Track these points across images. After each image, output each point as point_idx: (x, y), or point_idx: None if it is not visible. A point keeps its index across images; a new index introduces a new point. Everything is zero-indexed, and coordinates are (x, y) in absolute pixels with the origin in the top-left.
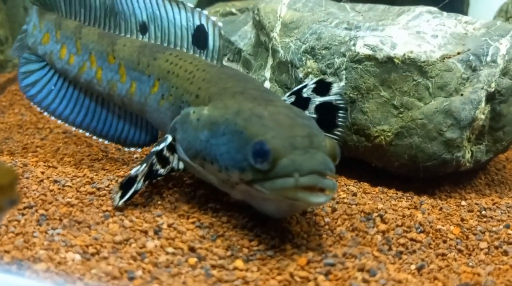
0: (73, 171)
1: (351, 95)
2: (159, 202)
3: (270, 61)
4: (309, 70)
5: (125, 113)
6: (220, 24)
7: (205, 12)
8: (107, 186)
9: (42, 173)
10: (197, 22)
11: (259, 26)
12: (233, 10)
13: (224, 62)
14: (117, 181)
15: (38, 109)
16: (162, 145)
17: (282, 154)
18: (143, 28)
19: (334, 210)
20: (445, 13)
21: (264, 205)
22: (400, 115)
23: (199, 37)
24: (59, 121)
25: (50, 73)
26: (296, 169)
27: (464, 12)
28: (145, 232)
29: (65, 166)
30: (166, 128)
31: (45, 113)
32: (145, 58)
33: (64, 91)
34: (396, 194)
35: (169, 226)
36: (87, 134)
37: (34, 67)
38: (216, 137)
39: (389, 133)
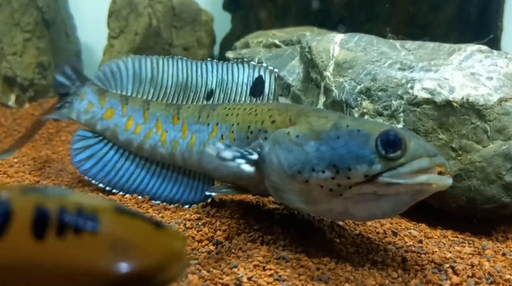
0: (136, 210)
1: None
2: (232, 250)
3: (322, 99)
4: (364, 110)
5: (183, 174)
6: (276, 70)
7: (264, 64)
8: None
9: None
10: (256, 75)
11: (311, 64)
12: (277, 41)
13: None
14: (185, 224)
15: (93, 182)
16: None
17: (408, 140)
18: (210, 95)
19: (404, 259)
20: (495, 52)
21: (374, 206)
22: (459, 157)
23: (257, 86)
24: (114, 191)
25: (106, 147)
26: (425, 150)
27: (497, 37)
28: None
29: (127, 204)
30: (227, 165)
31: (100, 185)
32: (205, 111)
33: (121, 163)
34: (457, 237)
35: (249, 279)
36: (140, 197)
37: (89, 143)
38: (329, 144)
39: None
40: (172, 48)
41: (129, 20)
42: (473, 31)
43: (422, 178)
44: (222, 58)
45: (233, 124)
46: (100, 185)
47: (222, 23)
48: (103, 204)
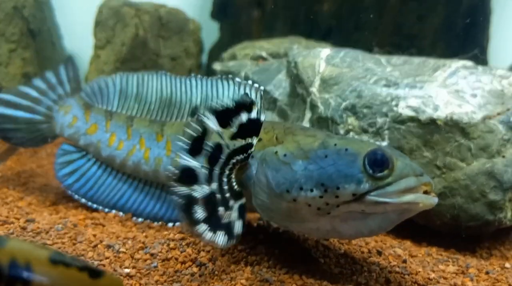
0: (121, 231)
1: None
2: (215, 272)
3: (308, 115)
4: (350, 127)
5: (167, 191)
6: (262, 87)
7: (250, 82)
8: (160, 251)
9: (94, 235)
10: (242, 92)
11: (297, 80)
12: (264, 54)
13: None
14: (168, 244)
15: (75, 197)
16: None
17: (395, 159)
18: (194, 111)
19: (388, 281)
20: (480, 68)
21: (362, 224)
22: (443, 175)
23: None
24: (95, 206)
25: (89, 162)
26: (412, 169)
27: (484, 47)
28: None
29: (111, 221)
30: None
31: (82, 200)
32: None
33: (104, 179)
34: (441, 255)
35: None
36: (122, 215)
37: (72, 158)
38: (317, 162)
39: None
40: (159, 59)
41: (116, 31)
42: (460, 41)
43: (409, 197)
44: (209, 67)
45: None
46: (83, 201)
47: (210, 32)
48: (38, 253)
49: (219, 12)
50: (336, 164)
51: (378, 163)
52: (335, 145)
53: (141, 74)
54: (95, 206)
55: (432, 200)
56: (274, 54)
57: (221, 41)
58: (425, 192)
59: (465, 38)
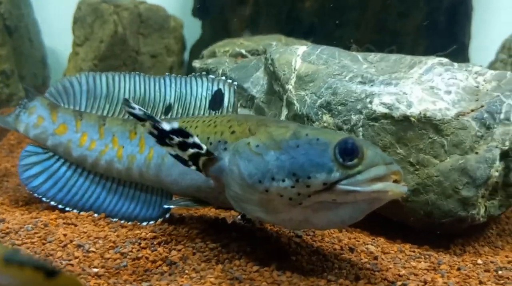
0: (93, 230)
1: None
2: (185, 270)
3: (284, 112)
4: (325, 124)
5: (140, 190)
6: (235, 83)
7: (223, 78)
8: (131, 251)
9: (65, 235)
10: (215, 88)
11: (273, 77)
12: (243, 51)
13: (243, 111)
14: (139, 244)
15: (43, 199)
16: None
17: (365, 148)
18: (168, 109)
19: (357, 277)
20: (456, 64)
21: (333, 214)
22: (416, 172)
23: (216, 100)
24: (67, 209)
25: (57, 163)
26: (382, 158)
27: (466, 44)
28: None
29: (83, 221)
30: (185, 177)
31: (52, 203)
32: None
33: (75, 180)
34: (414, 252)
35: None
36: (96, 215)
37: (38, 159)
38: (288, 152)
39: None
40: (139, 56)
41: (94, 28)
42: (441, 38)
43: (379, 185)
44: (190, 64)
45: None
46: (52, 203)
47: (194, 29)
48: None
49: (200, 9)
50: (307, 153)
51: (348, 152)
52: (307, 135)
53: (111, 74)
54: (67, 208)
55: (401, 189)
56: (253, 52)
57: (203, 39)
58: (395, 181)
59: (446, 35)
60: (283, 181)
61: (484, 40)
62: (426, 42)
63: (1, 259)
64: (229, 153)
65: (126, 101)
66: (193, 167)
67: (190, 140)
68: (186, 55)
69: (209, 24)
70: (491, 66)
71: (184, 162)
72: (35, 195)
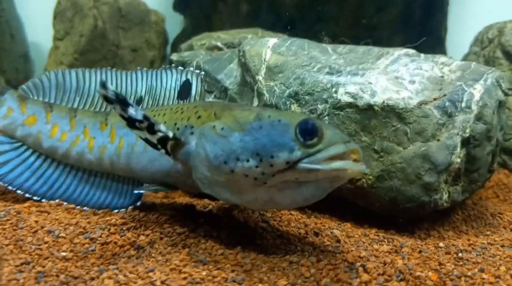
0: (65, 218)
1: None
2: (152, 254)
3: (255, 102)
4: None
5: (111, 179)
6: (202, 73)
7: (191, 69)
8: (100, 236)
9: (36, 222)
10: (184, 79)
11: (245, 68)
12: (219, 44)
13: (211, 99)
14: (109, 230)
15: (9, 188)
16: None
17: (325, 128)
18: (139, 101)
19: (319, 259)
20: (422, 55)
21: (297, 193)
22: (381, 159)
23: (184, 90)
24: (35, 198)
25: (25, 153)
26: (341, 137)
27: (442, 38)
28: None
29: (57, 209)
30: (154, 163)
31: (18, 191)
32: None
33: (43, 170)
34: (378, 236)
35: (162, 282)
36: (65, 203)
37: (4, 149)
38: (252, 134)
39: (370, 176)
40: (119, 50)
41: (74, 22)
42: (417, 32)
43: (338, 163)
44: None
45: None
46: (19, 192)
47: (176, 24)
48: None
49: (181, 4)
50: (270, 134)
51: (308, 131)
52: (269, 116)
53: (81, 70)
54: (35, 197)
55: (360, 167)
56: (229, 44)
57: (183, 33)
58: (354, 161)
59: (422, 29)
60: (248, 161)
61: (461, 33)
62: (402, 36)
63: None
64: (196, 137)
65: (103, 84)
66: (163, 151)
67: (156, 127)
68: (169, 49)
69: (189, 19)
70: (465, 58)
71: (153, 145)
72: (0, 183)
